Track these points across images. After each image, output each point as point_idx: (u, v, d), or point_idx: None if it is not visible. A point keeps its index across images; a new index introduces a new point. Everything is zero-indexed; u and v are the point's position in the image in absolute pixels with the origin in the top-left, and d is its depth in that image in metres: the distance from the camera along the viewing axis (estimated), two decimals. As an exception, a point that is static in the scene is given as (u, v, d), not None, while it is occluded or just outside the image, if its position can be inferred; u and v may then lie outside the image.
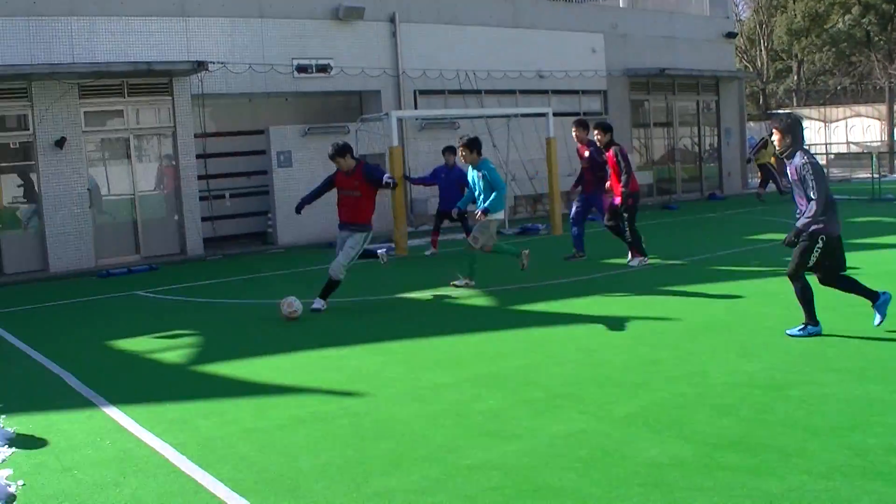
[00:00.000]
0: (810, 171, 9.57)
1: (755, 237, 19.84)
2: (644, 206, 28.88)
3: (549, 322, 11.48)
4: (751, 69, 65.28)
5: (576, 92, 28.82)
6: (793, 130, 9.89)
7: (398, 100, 24.61)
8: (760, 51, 67.32)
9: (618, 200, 15.58)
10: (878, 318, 9.93)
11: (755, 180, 36.81)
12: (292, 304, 12.48)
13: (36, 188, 19.66)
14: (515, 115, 24.33)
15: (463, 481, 6.24)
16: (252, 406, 8.44)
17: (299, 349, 10.76)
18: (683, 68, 31.44)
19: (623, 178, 15.37)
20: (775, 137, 10.00)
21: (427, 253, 19.18)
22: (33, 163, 19.51)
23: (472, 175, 14.57)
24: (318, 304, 13.12)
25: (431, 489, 6.12)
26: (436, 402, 8.23)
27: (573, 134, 17.12)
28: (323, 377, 9.36)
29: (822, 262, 9.88)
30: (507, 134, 23.91)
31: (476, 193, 14.52)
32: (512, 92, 27.04)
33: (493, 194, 14.11)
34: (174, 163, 21.14)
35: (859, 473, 6.12)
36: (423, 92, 25.39)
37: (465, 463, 6.59)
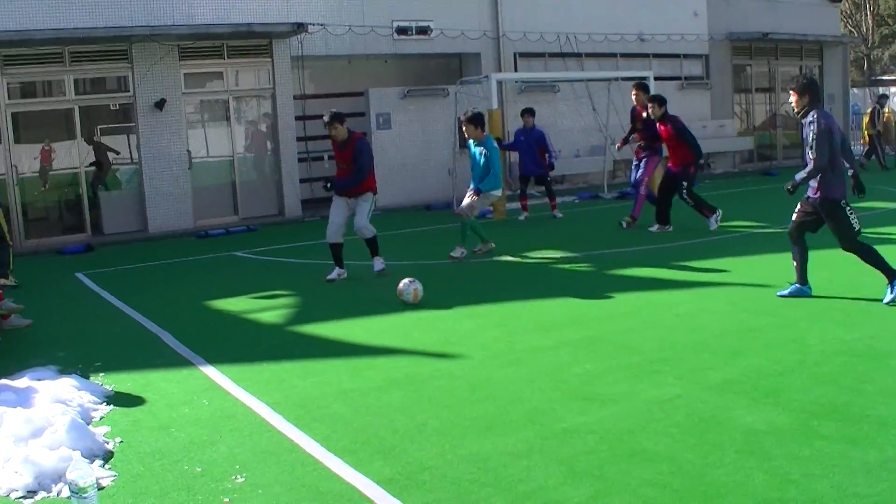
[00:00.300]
0: (814, 131, 9.76)
1: (856, 205, 19.35)
2: (744, 171, 28.67)
3: (646, 287, 11.40)
4: (855, 34, 63.78)
5: (677, 56, 28.45)
6: (810, 90, 10.00)
7: (498, 62, 24.53)
8: (866, 15, 65.74)
9: (675, 169, 15.65)
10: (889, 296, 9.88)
11: (858, 146, 36.15)
12: (409, 288, 11.24)
13: (136, 149, 20.00)
14: (616, 79, 24.12)
15: (558, 444, 6.23)
16: (347, 367, 8.50)
17: (394, 311, 10.81)
18: (787, 32, 30.85)
19: (693, 150, 15.49)
20: (792, 99, 10.09)
21: (520, 217, 19.10)
22: (133, 124, 19.83)
23: (475, 151, 14.34)
24: (379, 264, 13.16)
25: (526, 452, 6.11)
26: (532, 365, 8.22)
27: (633, 96, 16.98)
28: (418, 339, 9.41)
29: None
30: (607, 98, 23.72)
31: (473, 169, 14.36)
32: (613, 55, 26.79)
33: (489, 174, 14.03)
34: (266, 126, 21.33)
35: (962, 447, 6.01)
36: (522, 55, 25.26)
37: (560, 426, 6.58)
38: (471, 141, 14.36)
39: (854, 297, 10.49)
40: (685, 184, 15.58)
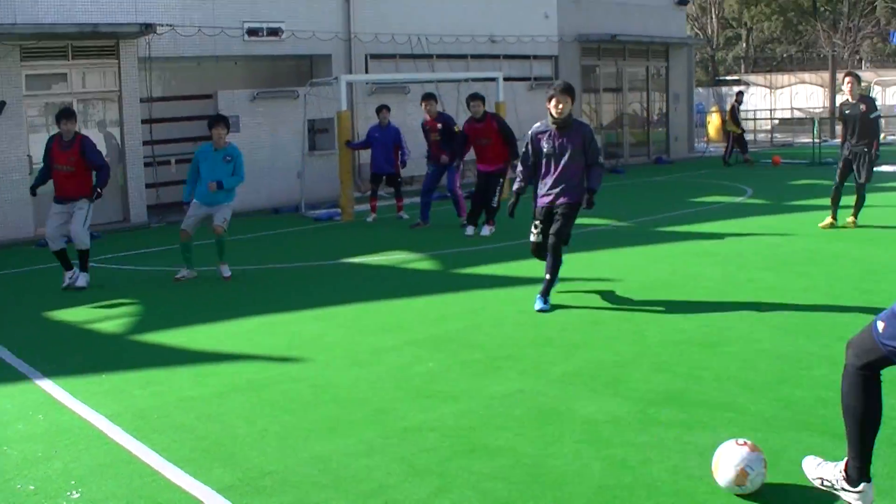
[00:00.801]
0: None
1: (700, 199, 19.98)
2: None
3: (491, 285, 11.48)
4: (701, 36, 65.47)
5: (527, 57, 28.72)
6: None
7: (349, 64, 24.40)
8: (711, 18, 67.53)
9: (491, 169, 16.04)
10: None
11: (701, 144, 37.22)
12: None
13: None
14: (466, 80, 24.22)
15: (399, 443, 6.23)
16: (190, 374, 8.31)
17: (240, 316, 10.62)
18: (634, 34, 31.44)
19: (512, 149, 15.73)
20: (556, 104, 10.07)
21: (369, 219, 18.96)
22: (-29, 127, 19.17)
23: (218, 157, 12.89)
24: (226, 271, 12.88)
25: (367, 452, 6.10)
26: (375, 365, 8.20)
27: (423, 107, 17.35)
28: (262, 343, 9.27)
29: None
30: (457, 99, 23.80)
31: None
32: (463, 56, 26.88)
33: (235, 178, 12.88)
34: (111, 130, 20.84)
35: (787, 425, 6.26)
36: (374, 56, 25.18)
37: (402, 425, 6.58)
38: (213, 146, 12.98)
39: (693, 288, 10.76)
40: (502, 181, 15.79)
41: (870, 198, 15.37)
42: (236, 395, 7.52)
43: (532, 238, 10.35)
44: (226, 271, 12.85)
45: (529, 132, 10.28)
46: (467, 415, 6.74)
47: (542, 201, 10.24)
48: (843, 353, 4.96)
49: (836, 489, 4.96)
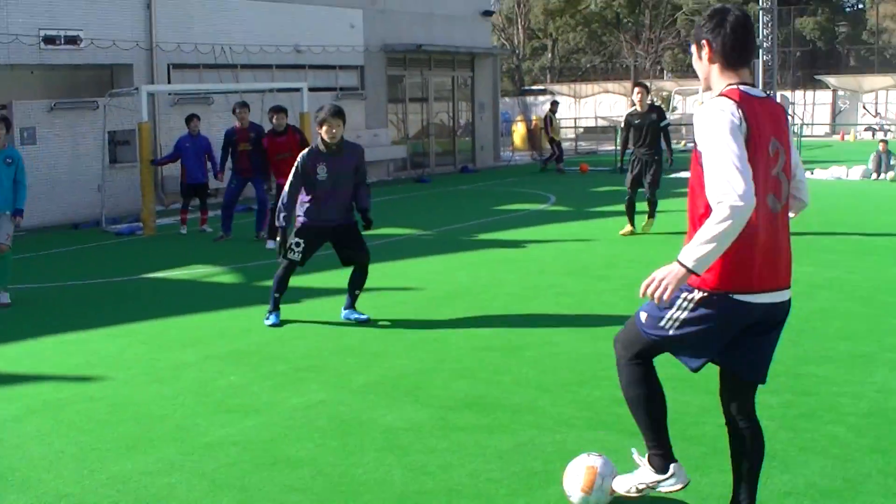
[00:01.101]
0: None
1: (504, 207, 20.36)
2: (398, 179, 29.34)
3: (293, 297, 11.43)
4: (508, 46, 66.62)
5: (333, 67, 28.72)
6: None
7: (151, 74, 23.95)
8: (518, 29, 68.79)
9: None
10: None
11: (506, 153, 37.87)
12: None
13: None
14: (270, 90, 24.09)
15: (200, 459, 6.20)
16: (-19, 398, 8.06)
17: (34, 336, 10.16)
18: (440, 44, 31.78)
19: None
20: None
21: (182, 231, 18.55)
22: None
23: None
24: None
25: (168, 469, 6.04)
26: (176, 381, 8.10)
27: (237, 115, 17.10)
28: (59, 363, 8.98)
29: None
30: (261, 109, 23.64)
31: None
32: (268, 66, 26.70)
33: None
34: None
35: (586, 425, 6.49)
36: (176, 66, 24.75)
37: (203, 441, 6.54)
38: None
39: (495, 294, 10.98)
40: None
41: (666, 203, 15.97)
42: (32, 418, 7.29)
43: (293, 256, 9.99)
44: (3, 298, 11.74)
45: (298, 160, 9.89)
46: (269, 427, 6.74)
47: (319, 223, 9.94)
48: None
49: (652, 486, 5.06)
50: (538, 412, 6.79)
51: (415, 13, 31.51)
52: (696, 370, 4.94)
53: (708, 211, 4.32)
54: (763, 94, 4.63)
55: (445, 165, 32.85)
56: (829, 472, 5.65)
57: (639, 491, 5.11)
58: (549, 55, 75.45)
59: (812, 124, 53.85)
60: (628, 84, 53.74)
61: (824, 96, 58.05)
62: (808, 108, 57.93)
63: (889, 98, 57.22)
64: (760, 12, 49.19)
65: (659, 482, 5.02)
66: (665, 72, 76.99)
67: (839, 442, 6.10)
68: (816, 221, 16.71)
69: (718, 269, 4.36)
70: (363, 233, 10.12)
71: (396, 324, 9.75)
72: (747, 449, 4.89)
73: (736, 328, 4.64)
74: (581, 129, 51.72)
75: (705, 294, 4.46)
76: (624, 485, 5.17)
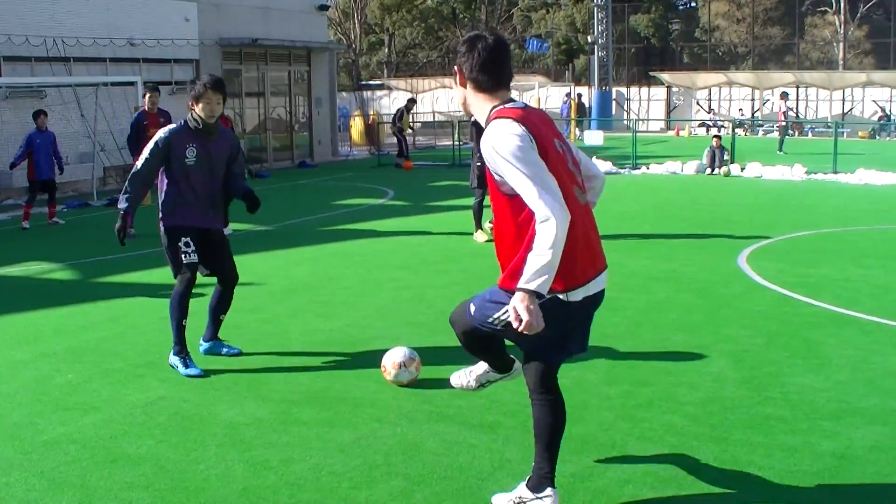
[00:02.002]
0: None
1: (343, 202, 20.37)
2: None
3: (131, 293, 11.24)
4: (344, 41, 66.53)
5: (168, 61, 28.25)
6: None
7: (-21, 67, 23.24)
8: (354, 24, 68.76)
9: None
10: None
11: (344, 148, 37.90)
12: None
13: None
14: (105, 84, 23.59)
15: (39, 457, 6.06)
16: None
17: None
18: (276, 39, 31.58)
19: None
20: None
21: (25, 225, 17.91)
22: None
23: None
24: None
25: (5, 469, 5.90)
26: (12, 380, 7.85)
27: (146, 98, 16.46)
28: None
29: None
30: (95, 103, 23.14)
31: None
32: (102, 60, 26.12)
33: None
34: None
35: (426, 418, 6.56)
36: (7, 59, 23.98)
37: (41, 439, 6.39)
38: None
39: (334, 289, 11.00)
40: None
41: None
42: None
43: (188, 259, 8.18)
44: None
45: (160, 136, 8.13)
46: (109, 424, 6.63)
47: (194, 221, 8.18)
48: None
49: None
50: (379, 405, 6.84)
51: (251, 7, 31.24)
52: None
53: (521, 230, 4.59)
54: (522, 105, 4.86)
55: (283, 160, 32.63)
56: (667, 460, 5.83)
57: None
58: (386, 50, 75.66)
59: (647, 120, 55.35)
60: (465, 80, 54.31)
61: (659, 92, 59.65)
62: (644, 104, 59.47)
63: (722, 94, 59.11)
64: (595, 9, 50.23)
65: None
66: (501, 68, 77.77)
67: (676, 431, 6.29)
68: (653, 216, 17.21)
69: None
70: (252, 214, 8.77)
71: (237, 319, 9.65)
72: (552, 420, 5.05)
73: (567, 325, 4.88)
74: (419, 125, 51.98)
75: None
76: (503, 498, 5.25)
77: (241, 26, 30.60)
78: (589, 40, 54.46)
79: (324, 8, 35.42)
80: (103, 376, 7.81)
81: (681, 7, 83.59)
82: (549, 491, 5.00)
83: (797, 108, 53.05)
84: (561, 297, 4.68)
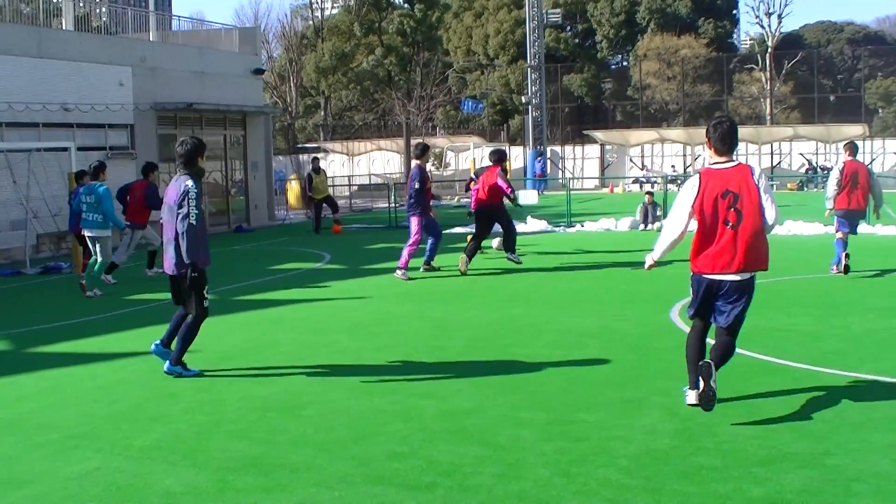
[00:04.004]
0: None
1: (280, 266, 20.33)
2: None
3: (68, 363, 11.11)
4: (281, 104, 66.66)
5: (102, 126, 28.12)
6: None
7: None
8: (290, 87, 68.91)
9: None
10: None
11: (281, 212, 37.79)
12: None
13: None
14: (38, 150, 23.42)
15: (-33, 533, 5.98)
16: None
17: None
18: (211, 103, 31.59)
19: None
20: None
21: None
22: None
23: None
24: None
25: (-68, 544, 5.81)
26: (-63, 454, 7.77)
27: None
28: None
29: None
30: (28, 169, 22.96)
31: None
32: (35, 125, 25.94)
33: None
34: None
35: (364, 480, 6.56)
36: (-63, 122, 23.87)
37: (-31, 515, 6.31)
38: None
39: (269, 354, 10.98)
40: None
41: (439, 259, 16.31)
42: None
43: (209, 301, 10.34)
44: None
45: (197, 188, 9.76)
46: (42, 498, 6.53)
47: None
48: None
49: None
50: (316, 470, 6.83)
51: (185, 71, 31.27)
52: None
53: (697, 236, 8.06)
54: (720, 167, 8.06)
55: (220, 225, 32.45)
56: (601, 513, 5.88)
57: None
58: (323, 113, 75.86)
59: (582, 178, 55.91)
60: (401, 141, 54.63)
61: (593, 150, 60.44)
62: (578, 163, 60.12)
63: (654, 151, 59.97)
64: (528, 70, 50.82)
65: None
66: (437, 128, 78.56)
67: (611, 484, 6.35)
68: (587, 273, 17.38)
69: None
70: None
71: (172, 386, 9.61)
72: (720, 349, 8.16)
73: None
74: (355, 187, 52.11)
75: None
76: None
77: (176, 91, 30.57)
78: (523, 100, 55.02)
79: (259, 72, 35.55)
80: (35, 448, 7.71)
81: (613, 67, 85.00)
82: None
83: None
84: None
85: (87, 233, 16.94)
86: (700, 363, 7.70)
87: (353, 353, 10.92)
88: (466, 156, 59.32)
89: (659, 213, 26.54)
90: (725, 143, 7.99)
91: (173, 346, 10.14)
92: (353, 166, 64.23)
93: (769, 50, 72.90)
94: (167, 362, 10.02)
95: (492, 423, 7.87)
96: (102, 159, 18.72)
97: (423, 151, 17.75)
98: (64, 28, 30.24)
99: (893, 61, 78.66)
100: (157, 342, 10.31)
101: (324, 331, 12.46)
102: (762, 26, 76.93)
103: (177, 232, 9.73)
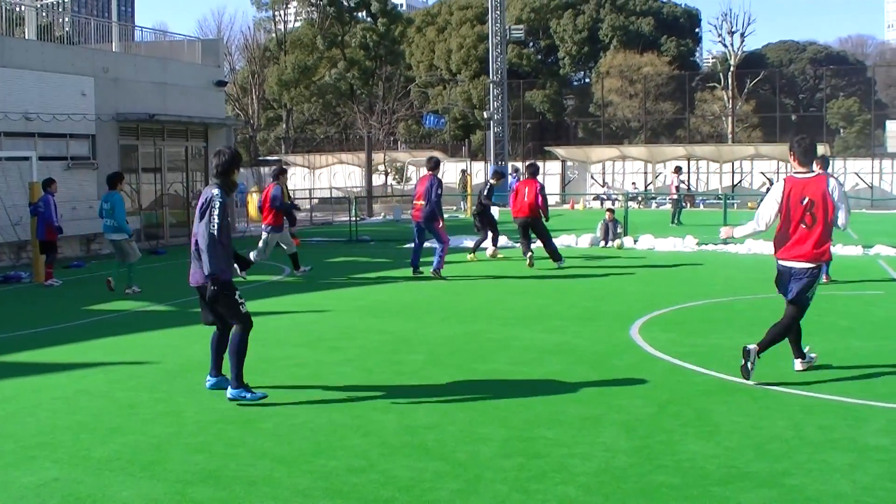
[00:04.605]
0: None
1: (238, 279, 20.25)
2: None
3: (25, 372, 11.01)
4: (242, 117, 66.53)
5: (63, 136, 27.94)
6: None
7: None
8: (252, 99, 68.83)
9: None
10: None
11: (241, 224, 37.64)
12: None
13: None
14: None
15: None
16: None
17: None
18: (173, 114, 31.47)
19: None
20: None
21: None
22: None
23: None
24: None
25: None
26: None
27: None
28: None
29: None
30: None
31: None
32: (-5, 134, 25.80)
33: None
34: None
35: (322, 495, 6.57)
36: None
37: (-74, 525, 6.25)
38: None
39: (227, 368, 10.90)
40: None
41: (400, 273, 16.28)
42: None
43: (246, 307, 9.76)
44: None
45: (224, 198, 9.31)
46: (-2, 509, 6.51)
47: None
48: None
49: None
50: (275, 484, 6.82)
51: (148, 82, 31.14)
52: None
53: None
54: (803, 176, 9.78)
55: (180, 236, 32.21)
56: (559, 529, 5.91)
57: None
58: (284, 126, 75.80)
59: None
60: (363, 155, 54.60)
61: (554, 167, 60.65)
62: (539, 178, 60.19)
63: (615, 168, 60.27)
64: (491, 85, 50.98)
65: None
66: (399, 143, 78.71)
67: (570, 501, 6.38)
68: (547, 289, 17.44)
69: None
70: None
71: (131, 398, 9.56)
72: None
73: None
74: (316, 200, 52.04)
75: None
76: None
77: (139, 101, 30.44)
78: (485, 116, 55.13)
79: (221, 84, 35.46)
80: (-8, 459, 7.67)
81: (575, 83, 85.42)
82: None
83: (688, 181, 54.23)
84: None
85: (107, 237, 18.57)
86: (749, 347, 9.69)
87: (312, 367, 10.91)
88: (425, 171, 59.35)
89: (619, 230, 26.68)
90: (807, 156, 9.86)
91: (226, 370, 9.63)
92: (315, 179, 64.15)
93: (731, 69, 73.56)
94: (229, 389, 9.32)
95: (451, 438, 7.89)
96: (115, 173, 18.68)
97: (437, 164, 19.68)
98: (27, 37, 30.06)
99: (855, 81, 79.65)
100: (209, 377, 9.85)
101: (283, 344, 12.43)
102: (725, 45, 77.58)
103: (197, 242, 9.29)
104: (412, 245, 20.28)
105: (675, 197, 36.67)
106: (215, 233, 9.17)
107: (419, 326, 13.57)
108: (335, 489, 6.67)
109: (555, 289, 17.60)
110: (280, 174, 20.50)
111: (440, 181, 19.34)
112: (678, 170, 38.42)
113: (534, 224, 21.31)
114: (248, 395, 9.19)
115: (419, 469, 7.05)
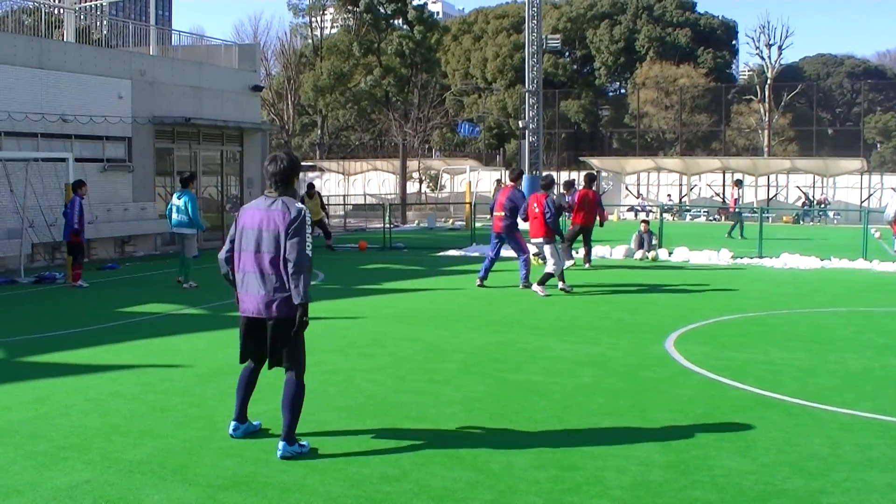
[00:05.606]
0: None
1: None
2: (166, 254, 28.81)
3: (59, 373, 11.06)
4: (277, 122, 66.75)
5: (100, 138, 28.13)
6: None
7: None
8: (288, 105, 69.04)
9: None
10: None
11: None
12: None
13: None
14: (36, 160, 23.41)
15: (-46, 543, 5.93)
16: None
17: None
18: (209, 118, 31.62)
19: None
20: None
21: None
22: None
23: None
24: None
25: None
26: (-73, 462, 7.72)
27: None
28: None
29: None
30: (25, 178, 22.94)
31: None
32: (33, 135, 25.96)
33: None
34: None
35: (354, 502, 6.58)
36: (-63, 132, 23.86)
37: (-42, 524, 6.26)
38: None
39: (262, 370, 10.88)
40: None
41: (433, 281, 16.25)
42: None
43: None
44: None
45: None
46: (30, 509, 6.50)
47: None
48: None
49: None
50: (307, 490, 6.78)
51: (184, 86, 31.30)
52: None
53: None
54: None
55: (214, 240, 32.38)
56: (592, 543, 5.84)
57: None
58: (319, 131, 75.99)
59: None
60: (397, 162, 54.72)
61: (589, 177, 60.31)
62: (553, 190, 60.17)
63: (650, 180, 60.08)
64: (526, 94, 50.90)
65: None
66: (434, 150, 78.79)
67: (604, 515, 6.32)
68: (580, 300, 17.35)
69: None
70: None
71: (163, 401, 9.56)
72: None
73: None
74: (350, 207, 52.14)
75: None
76: None
77: (174, 105, 30.61)
78: (520, 125, 55.01)
79: (257, 89, 35.59)
80: (26, 459, 7.66)
81: (610, 94, 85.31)
82: None
83: (723, 194, 54.01)
84: None
85: (177, 230, 20.28)
86: None
87: (344, 374, 10.89)
88: (462, 178, 59.37)
89: (654, 241, 26.54)
90: None
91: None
92: (349, 186, 64.30)
93: (768, 81, 73.24)
94: (282, 445, 7.67)
95: (484, 448, 7.84)
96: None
97: (519, 175, 19.72)
98: (65, 40, 30.29)
99: (893, 96, 79.09)
100: (233, 423, 8.31)
101: (316, 350, 12.34)
102: (762, 57, 77.31)
103: (285, 264, 7.76)
104: (487, 256, 19.71)
105: (736, 210, 36.20)
106: (311, 253, 7.90)
107: (451, 335, 13.52)
108: (368, 497, 6.63)
109: (587, 300, 17.51)
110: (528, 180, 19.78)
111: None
112: (738, 183, 37.95)
113: (586, 231, 22.28)
114: (304, 450, 7.75)
115: (452, 479, 7.00)
